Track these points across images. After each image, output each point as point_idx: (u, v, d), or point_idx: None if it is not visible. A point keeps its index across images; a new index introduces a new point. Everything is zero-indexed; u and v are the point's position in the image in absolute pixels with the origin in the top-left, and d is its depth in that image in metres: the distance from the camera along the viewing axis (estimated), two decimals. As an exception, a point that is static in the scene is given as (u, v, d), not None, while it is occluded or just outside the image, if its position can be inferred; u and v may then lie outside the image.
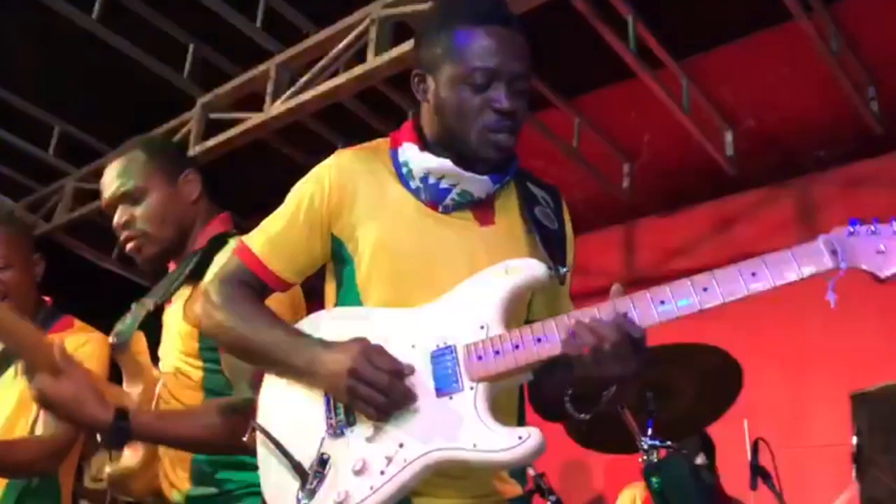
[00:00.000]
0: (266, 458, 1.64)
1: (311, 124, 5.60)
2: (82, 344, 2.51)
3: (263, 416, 1.67)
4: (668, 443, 2.85)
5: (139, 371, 2.15)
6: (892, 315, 4.79)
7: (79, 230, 6.48)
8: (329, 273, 1.79)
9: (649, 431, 3.02)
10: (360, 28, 4.62)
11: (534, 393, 1.74)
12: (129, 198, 2.20)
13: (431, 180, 1.69)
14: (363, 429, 1.54)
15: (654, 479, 2.58)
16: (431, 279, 1.64)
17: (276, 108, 4.95)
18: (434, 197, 1.69)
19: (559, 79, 5.27)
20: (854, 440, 3.29)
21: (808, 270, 1.42)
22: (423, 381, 1.54)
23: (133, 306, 2.18)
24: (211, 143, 5.29)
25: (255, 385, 1.76)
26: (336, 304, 1.76)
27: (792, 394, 4.97)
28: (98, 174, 6.87)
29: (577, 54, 4.93)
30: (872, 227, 1.43)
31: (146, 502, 2.14)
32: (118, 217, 2.21)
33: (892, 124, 4.89)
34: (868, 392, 3.55)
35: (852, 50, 4.69)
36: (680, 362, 3.21)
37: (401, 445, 1.51)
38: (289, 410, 1.64)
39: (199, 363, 2.05)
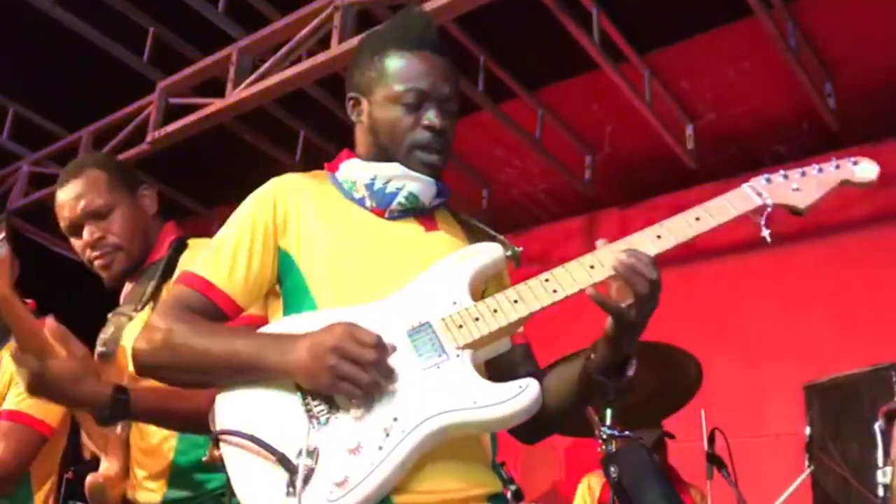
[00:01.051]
0: (239, 463, 1.50)
1: (273, 111, 5.56)
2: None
3: (228, 425, 1.54)
4: (627, 433, 2.88)
5: (123, 381, 2.13)
6: (844, 309, 4.90)
7: (34, 215, 6.36)
8: (273, 297, 1.78)
9: (608, 421, 3.05)
10: (324, 15, 4.59)
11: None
12: (98, 215, 2.19)
13: (377, 185, 1.72)
14: (350, 411, 1.48)
15: (611, 469, 2.61)
16: (386, 278, 1.64)
17: (237, 93, 4.89)
18: (380, 202, 1.73)
19: (523, 70, 5.29)
20: (807, 430, 3.36)
21: (742, 207, 1.61)
22: (406, 357, 1.52)
23: (109, 317, 2.16)
24: (170, 128, 5.22)
25: None
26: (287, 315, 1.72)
27: (748, 385, 5.06)
28: (55, 159, 6.76)
29: (540, 46, 4.95)
30: (783, 173, 1.65)
31: None
32: (87, 235, 2.19)
33: (848, 121, 4.98)
34: (820, 383, 3.64)
35: (810, 46, 4.77)
36: (641, 358, 3.24)
37: (395, 419, 1.46)
38: (259, 412, 1.53)
39: None
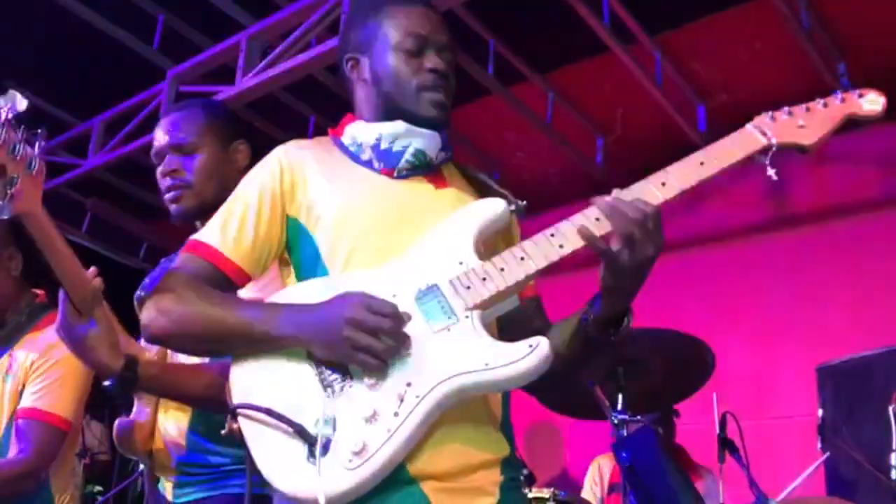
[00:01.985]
0: (257, 436, 1.51)
1: (283, 97, 5.56)
2: (54, 345, 2.50)
3: (243, 397, 1.56)
4: (638, 417, 2.89)
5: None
6: (857, 290, 4.87)
7: (47, 203, 6.38)
8: (284, 264, 1.76)
9: (619, 406, 3.05)
10: (333, 1, 4.58)
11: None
12: (181, 150, 2.22)
13: (384, 146, 1.73)
14: (364, 380, 1.49)
15: (623, 454, 2.61)
16: (399, 240, 1.64)
17: (247, 81, 4.90)
18: (388, 163, 1.73)
19: (533, 53, 5.26)
20: (819, 412, 3.35)
21: (747, 147, 1.61)
22: (415, 321, 1.52)
23: (162, 261, 2.18)
24: (181, 116, 5.22)
25: None
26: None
27: (760, 367, 5.05)
28: (66, 147, 6.78)
29: (551, 29, 4.92)
30: (788, 110, 1.64)
31: (145, 461, 2.15)
32: (165, 165, 2.23)
33: (862, 100, 4.93)
34: (833, 365, 3.63)
35: (823, 26, 4.72)
36: (653, 345, 3.24)
37: (409, 384, 1.47)
38: (272, 383, 1.54)
39: None
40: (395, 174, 1.73)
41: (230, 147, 2.27)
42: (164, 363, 2.09)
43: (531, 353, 1.47)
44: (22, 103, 1.78)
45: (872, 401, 3.02)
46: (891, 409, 2.56)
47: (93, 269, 1.89)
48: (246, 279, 1.71)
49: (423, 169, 1.75)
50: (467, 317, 1.53)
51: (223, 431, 1.56)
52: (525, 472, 2.87)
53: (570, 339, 1.64)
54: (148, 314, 1.64)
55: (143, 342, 2.13)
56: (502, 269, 1.56)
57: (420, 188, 1.74)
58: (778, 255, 5.09)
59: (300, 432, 1.46)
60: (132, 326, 1.99)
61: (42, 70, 5.69)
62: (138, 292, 2.17)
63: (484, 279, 1.55)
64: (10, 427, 2.52)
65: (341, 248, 1.65)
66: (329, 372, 1.52)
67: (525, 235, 1.66)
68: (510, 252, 1.58)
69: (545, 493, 3.06)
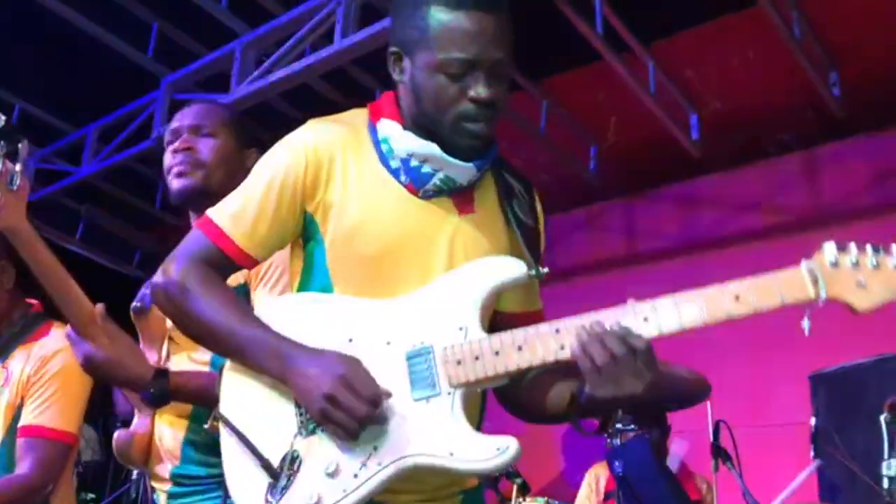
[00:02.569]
0: (231, 450, 1.56)
1: (277, 105, 5.57)
2: (52, 356, 2.51)
3: (227, 406, 1.59)
4: (632, 427, 2.89)
5: (157, 337, 2.15)
6: (851, 296, 4.88)
7: (42, 211, 6.39)
8: (296, 249, 1.71)
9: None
10: (328, 9, 4.59)
11: (514, 395, 1.68)
12: (200, 132, 2.21)
13: (414, 163, 1.61)
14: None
15: (616, 464, 2.62)
16: (407, 267, 1.59)
17: (241, 88, 4.91)
18: (415, 181, 1.62)
19: (527, 61, 5.27)
20: (812, 420, 3.36)
21: (789, 299, 1.45)
22: (398, 382, 1.50)
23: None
24: (176, 123, 5.23)
25: None
26: (301, 284, 1.69)
27: (754, 375, 5.06)
28: (60, 155, 6.77)
29: (544, 37, 4.93)
30: (853, 258, 1.45)
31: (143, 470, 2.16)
32: (181, 142, 2.19)
33: (853, 109, 4.96)
34: (826, 373, 3.64)
35: (815, 35, 4.75)
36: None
37: (375, 449, 1.47)
38: (255, 402, 1.57)
39: None
40: (420, 194, 1.63)
41: (244, 149, 2.25)
42: (192, 371, 2.08)
43: (497, 457, 1.45)
44: None
45: (865, 409, 3.03)
46: (882, 417, 2.57)
47: (100, 305, 1.90)
48: (252, 264, 1.69)
49: (451, 191, 1.65)
50: (449, 393, 1.49)
51: (206, 426, 1.59)
52: (519, 480, 2.87)
53: (561, 408, 1.61)
54: (156, 285, 1.64)
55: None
56: (497, 353, 1.50)
57: (442, 212, 1.63)
58: (772, 262, 5.09)
59: (266, 467, 1.50)
60: (127, 334, 2.01)
61: (37, 78, 5.69)
62: (135, 303, 2.17)
63: (477, 358, 1.50)
64: (9, 439, 2.51)
65: (349, 264, 1.61)
66: (306, 413, 1.52)
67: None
68: (510, 336, 1.51)
69: (539, 501, 3.06)
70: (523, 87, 5.40)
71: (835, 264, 1.46)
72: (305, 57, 4.69)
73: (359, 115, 1.72)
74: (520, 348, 1.50)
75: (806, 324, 1.47)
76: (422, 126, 1.63)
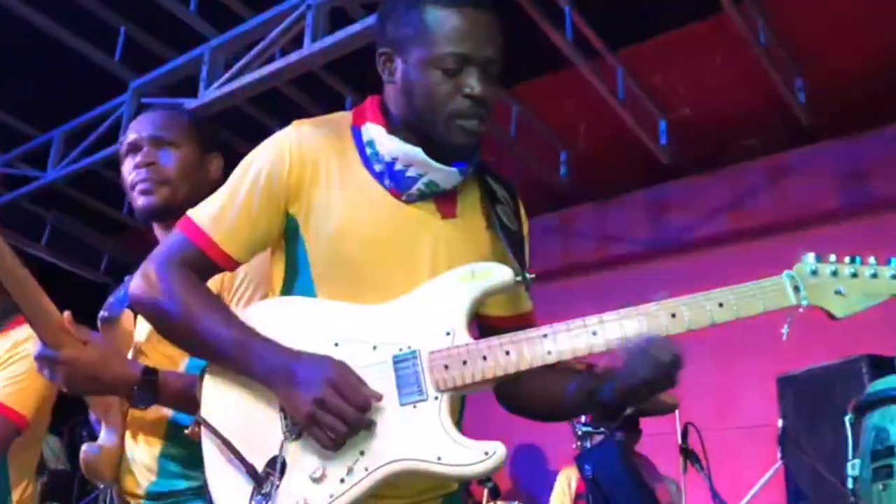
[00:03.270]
0: (213, 455, 1.53)
1: (247, 109, 5.54)
2: (25, 339, 2.47)
3: (209, 410, 1.55)
4: (601, 429, 2.90)
5: (123, 348, 2.11)
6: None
7: (7, 216, 6.30)
8: (277, 253, 1.69)
9: (583, 417, 3.07)
10: (297, 13, 4.58)
11: (514, 392, 1.69)
12: (161, 144, 2.13)
13: (398, 167, 1.61)
14: None
15: (586, 466, 2.63)
16: (391, 271, 1.58)
17: (210, 93, 4.87)
18: (399, 185, 1.62)
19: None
20: (780, 422, 3.40)
21: (772, 306, 1.51)
22: (385, 386, 1.48)
23: (126, 278, 2.13)
24: (144, 128, 5.18)
25: None
26: (283, 288, 1.67)
27: (722, 377, 5.10)
28: (25, 160, 6.68)
29: (514, 43, 4.93)
30: (832, 268, 1.52)
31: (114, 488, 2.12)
32: (142, 157, 2.12)
33: (819, 115, 5.04)
34: (793, 375, 3.68)
35: (781, 42, 4.81)
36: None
37: (362, 454, 1.46)
38: (238, 406, 1.54)
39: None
40: (404, 197, 1.62)
41: (207, 156, 2.20)
42: (178, 371, 2.05)
43: (486, 461, 1.45)
44: None
45: (830, 410, 3.07)
46: (847, 419, 2.60)
47: (67, 313, 1.86)
48: (235, 266, 1.67)
49: (435, 195, 1.64)
50: (436, 398, 1.48)
51: (186, 431, 1.55)
52: (490, 484, 2.87)
53: (566, 401, 1.63)
54: (135, 290, 1.61)
55: None
56: (485, 358, 1.50)
57: (424, 217, 1.63)
58: (739, 265, 5.15)
59: (250, 473, 1.47)
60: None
61: (1, 81, 5.61)
62: (102, 313, 2.13)
63: (465, 363, 1.50)
64: None
65: (332, 267, 1.60)
66: (294, 418, 1.49)
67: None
68: (498, 340, 1.52)
69: (509, 506, 3.07)
70: (493, 92, 5.41)
71: (815, 273, 1.52)
72: (275, 61, 4.66)
73: (343, 119, 1.71)
74: (508, 353, 1.51)
75: (785, 330, 1.52)
76: (413, 127, 1.63)
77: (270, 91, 4.98)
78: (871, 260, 1.53)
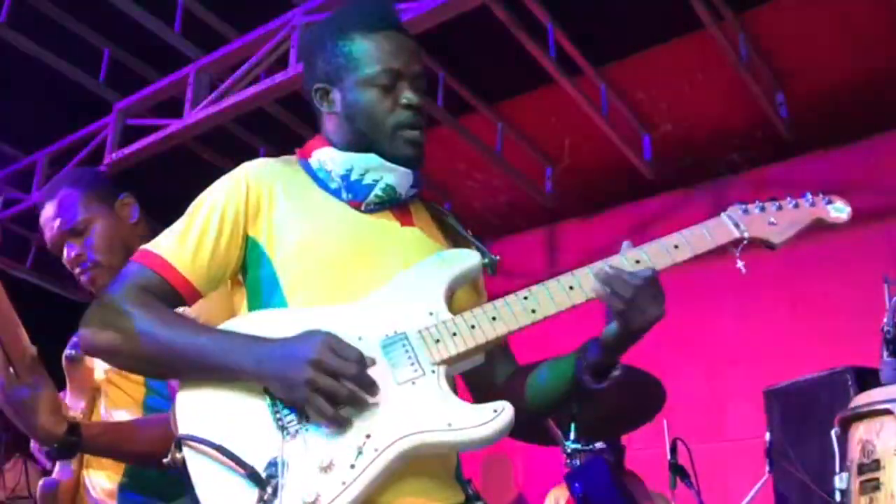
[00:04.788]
0: (203, 472, 1.43)
1: (232, 129, 5.54)
2: None
3: (192, 427, 1.47)
4: (591, 447, 2.90)
5: (86, 387, 2.11)
6: (802, 313, 4.99)
7: (-9, 238, 6.27)
8: (235, 287, 1.70)
9: (572, 435, 3.07)
10: (281, 34, 4.59)
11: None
12: (74, 233, 2.21)
13: (354, 176, 1.68)
14: (322, 426, 1.43)
15: (576, 485, 2.63)
16: (364, 274, 1.60)
17: (195, 113, 4.88)
18: (357, 195, 1.68)
19: (482, 85, 5.33)
20: (767, 435, 3.40)
21: (720, 238, 1.66)
22: (379, 370, 1.48)
23: None
24: (128, 150, 5.18)
25: None
26: (252, 311, 1.65)
27: (709, 391, 5.12)
28: (10, 182, 6.64)
29: (498, 61, 4.99)
30: (760, 205, 1.69)
31: None
32: (67, 253, 2.22)
33: (800, 129, 5.08)
34: (780, 388, 3.69)
35: (761, 58, 4.86)
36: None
37: (368, 436, 1.42)
38: (226, 416, 1.47)
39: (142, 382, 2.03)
40: (363, 207, 1.69)
41: (115, 206, 2.26)
42: (106, 423, 2.05)
43: (496, 419, 1.45)
44: None
45: (817, 423, 3.08)
46: (833, 432, 2.62)
47: (32, 349, 1.87)
48: (196, 297, 1.64)
49: (391, 204, 1.71)
50: (433, 371, 1.50)
51: (165, 460, 1.46)
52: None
53: (558, 383, 1.64)
54: (92, 327, 1.56)
55: (66, 397, 2.09)
56: (473, 327, 1.54)
57: (386, 224, 1.70)
58: (723, 280, 5.18)
59: (252, 476, 1.39)
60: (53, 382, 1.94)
61: (-17, 103, 5.60)
62: (68, 350, 2.13)
63: (454, 334, 1.53)
64: None
65: (303, 278, 1.60)
66: (286, 412, 1.45)
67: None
68: (482, 310, 1.56)
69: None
70: (479, 110, 5.44)
71: (746, 211, 1.69)
72: (260, 82, 4.68)
73: (290, 158, 1.79)
74: (494, 318, 1.56)
75: (740, 263, 1.65)
76: (357, 147, 1.71)
77: (256, 111, 4.99)
78: (789, 198, 1.71)
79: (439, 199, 6.16)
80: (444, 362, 1.51)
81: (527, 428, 1.78)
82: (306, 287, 1.60)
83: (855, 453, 2.52)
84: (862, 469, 2.47)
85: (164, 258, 1.61)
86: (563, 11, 4.67)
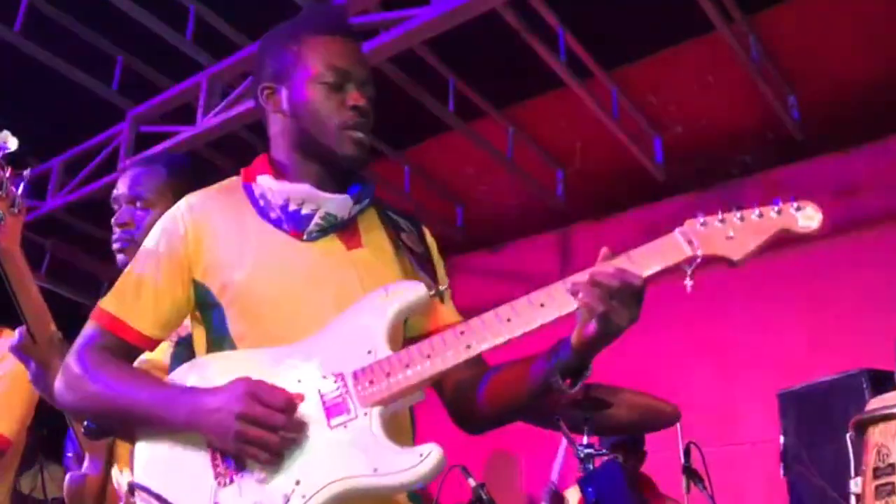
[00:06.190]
0: None
1: (244, 136, 5.57)
2: (3, 356, 2.48)
3: (141, 475, 1.55)
4: (604, 451, 2.90)
5: (99, 447, 2.13)
6: (815, 315, 4.97)
7: (5, 246, 6.30)
8: (195, 321, 1.72)
9: (585, 439, 3.07)
10: (293, 40, 4.61)
11: (464, 405, 1.70)
12: (136, 203, 2.25)
13: (292, 207, 1.66)
14: (255, 472, 1.47)
15: (589, 489, 2.63)
16: (306, 313, 1.61)
17: (207, 120, 4.91)
18: (297, 225, 1.66)
19: (492, 89, 5.34)
20: (781, 438, 3.39)
21: (672, 260, 1.51)
22: (313, 413, 1.49)
23: None
24: (142, 156, 5.21)
25: None
26: (207, 352, 1.69)
27: (723, 394, 5.10)
28: (25, 188, 6.67)
29: (509, 65, 5.00)
30: (721, 217, 1.53)
31: None
32: (119, 215, 2.25)
33: (812, 130, 5.07)
34: (794, 391, 3.68)
35: (772, 59, 4.85)
36: (618, 400, 3.26)
37: (297, 482, 1.45)
38: (168, 465, 1.53)
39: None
40: (305, 237, 1.66)
41: None
42: None
43: (421, 463, 1.44)
44: (13, 142, 1.81)
45: (832, 426, 3.06)
46: (848, 436, 2.60)
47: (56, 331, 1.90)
48: (153, 343, 1.69)
49: (335, 227, 1.69)
50: (366, 414, 1.49)
51: (121, 502, 1.54)
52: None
53: (528, 385, 1.60)
54: (59, 389, 1.64)
55: None
56: (407, 366, 1.51)
57: (330, 250, 1.67)
58: (737, 283, 5.17)
59: None
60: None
61: (0, 110, 5.64)
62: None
63: (388, 374, 1.51)
64: None
65: (248, 319, 1.62)
66: (222, 461, 1.49)
67: (488, 268, 1.66)
68: (417, 348, 1.53)
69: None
70: (489, 115, 5.45)
71: (704, 224, 1.53)
72: (271, 88, 4.69)
73: (234, 182, 1.77)
74: (428, 356, 1.52)
75: (688, 283, 1.50)
76: (304, 151, 1.70)
77: (268, 117, 5.00)
78: (755, 207, 1.55)
79: (451, 204, 6.18)
80: (376, 404, 1.50)
81: (507, 420, 1.73)
82: (252, 327, 1.62)
83: (870, 457, 2.51)
84: (877, 473, 2.46)
85: (112, 314, 1.66)
86: (572, 15, 4.68)
